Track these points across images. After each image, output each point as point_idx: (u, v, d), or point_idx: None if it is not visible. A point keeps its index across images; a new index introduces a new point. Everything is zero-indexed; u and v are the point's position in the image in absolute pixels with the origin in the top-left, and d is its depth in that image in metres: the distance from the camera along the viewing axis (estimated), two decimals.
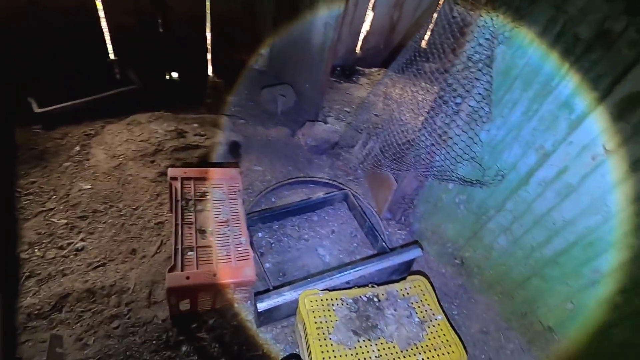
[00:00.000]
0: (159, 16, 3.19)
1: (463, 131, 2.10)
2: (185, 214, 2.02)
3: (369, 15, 4.38)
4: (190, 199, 2.09)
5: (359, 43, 4.61)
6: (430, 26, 4.30)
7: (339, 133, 3.39)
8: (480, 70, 1.99)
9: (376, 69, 4.80)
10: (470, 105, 2.04)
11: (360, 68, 4.69)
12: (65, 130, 2.88)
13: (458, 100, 2.24)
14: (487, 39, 1.90)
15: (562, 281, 1.87)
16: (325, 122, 3.49)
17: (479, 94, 1.98)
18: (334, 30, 2.98)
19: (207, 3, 3.33)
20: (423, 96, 2.70)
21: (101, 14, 2.99)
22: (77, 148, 2.77)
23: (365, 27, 4.49)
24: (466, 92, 2.06)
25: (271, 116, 3.55)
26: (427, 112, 2.49)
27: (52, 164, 2.62)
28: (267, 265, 2.33)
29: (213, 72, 3.87)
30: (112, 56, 3.24)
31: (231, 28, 3.62)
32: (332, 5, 2.93)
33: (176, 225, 1.94)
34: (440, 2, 4.93)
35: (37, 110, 2.74)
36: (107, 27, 3.07)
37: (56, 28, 2.85)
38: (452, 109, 2.28)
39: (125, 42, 3.20)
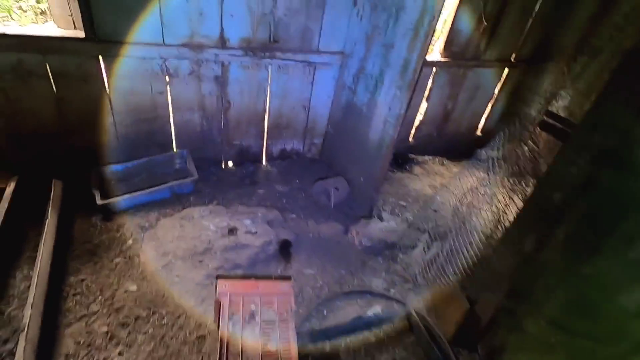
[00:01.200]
0: (221, 112, 3.33)
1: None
2: (231, 342, 1.79)
3: (423, 105, 4.36)
4: (238, 322, 1.87)
5: (412, 131, 4.55)
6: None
7: (397, 232, 3.13)
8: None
9: (430, 157, 4.64)
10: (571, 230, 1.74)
11: (413, 156, 4.56)
12: (122, 222, 2.89)
13: None
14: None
15: None
16: (381, 218, 3.27)
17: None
18: (394, 129, 2.89)
19: (267, 98, 3.46)
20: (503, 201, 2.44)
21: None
22: (130, 242, 2.73)
23: (419, 116, 4.46)
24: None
25: (323, 209, 3.40)
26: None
27: (103, 260, 2.57)
28: None
29: (266, 160, 3.90)
30: (174, 149, 3.36)
31: (287, 119, 3.70)
32: (393, 104, 2.88)
33: (220, 355, 1.71)
34: (496, 93, 4.85)
35: (99, 202, 2.79)
36: (172, 122, 3.22)
37: (129, 123, 3.03)
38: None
39: (188, 136, 3.33)
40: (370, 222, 3.16)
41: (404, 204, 3.62)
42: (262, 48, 3.11)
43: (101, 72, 2.72)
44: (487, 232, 2.53)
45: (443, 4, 2.36)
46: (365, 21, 3.08)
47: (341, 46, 3.42)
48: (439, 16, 2.40)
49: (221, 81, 3.15)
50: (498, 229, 2.60)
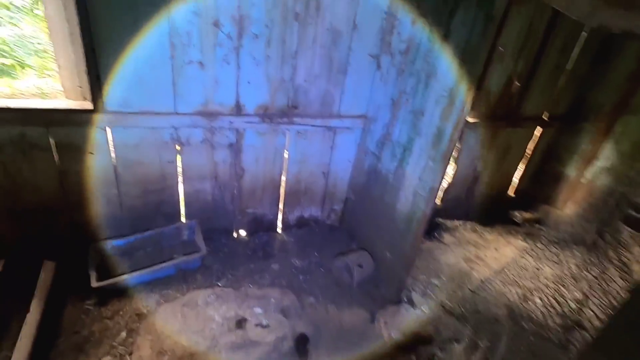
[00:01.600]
0: (235, 179, 3.09)
1: None
2: None
3: (451, 167, 4.05)
4: None
5: (440, 194, 4.20)
6: None
7: (432, 321, 2.68)
8: None
9: (460, 222, 4.24)
10: None
11: (441, 221, 4.17)
12: (118, 307, 2.55)
13: None
14: None
15: None
16: (412, 303, 2.83)
17: None
18: (426, 203, 2.56)
19: (285, 164, 3.22)
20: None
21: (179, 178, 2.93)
22: (124, 334, 2.37)
23: (447, 178, 4.13)
24: None
25: (345, 289, 2.99)
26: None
27: (90, 358, 2.21)
28: None
29: (282, 229, 3.59)
30: (183, 219, 3.09)
31: (305, 185, 3.42)
32: (425, 176, 2.57)
33: None
34: (529, 152, 4.52)
35: (94, 285, 2.48)
36: (182, 191, 2.99)
37: (135, 195, 2.80)
38: None
39: (198, 205, 3.08)
40: (400, 309, 2.73)
41: (437, 282, 3.17)
42: (280, 114, 2.92)
43: (108, 143, 2.54)
44: (551, 327, 2.06)
45: (481, 71, 2.12)
46: (391, 85, 2.88)
47: (364, 110, 3.21)
48: (476, 85, 2.15)
49: (235, 148, 2.94)
50: (563, 321, 2.13)
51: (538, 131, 4.38)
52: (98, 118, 2.41)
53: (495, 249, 3.87)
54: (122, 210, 2.82)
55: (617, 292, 3.53)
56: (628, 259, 3.98)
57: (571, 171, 4.52)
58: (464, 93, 2.20)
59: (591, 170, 4.35)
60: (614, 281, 3.69)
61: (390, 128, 2.92)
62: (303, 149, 3.21)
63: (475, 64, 2.15)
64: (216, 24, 2.43)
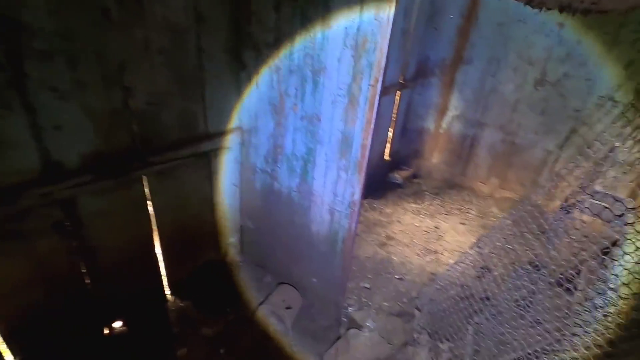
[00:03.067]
0: (81, 267, 2.09)
1: None
2: None
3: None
4: None
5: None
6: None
7: (384, 339, 2.43)
8: None
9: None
10: None
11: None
12: None
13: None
14: None
15: None
16: (354, 324, 2.53)
17: None
18: (350, 220, 2.19)
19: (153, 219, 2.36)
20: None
21: None
22: None
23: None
24: None
25: (279, 340, 2.48)
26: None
27: None
28: None
29: (173, 293, 2.75)
30: None
31: (187, 231, 2.64)
32: (339, 190, 2.17)
33: None
34: (395, 116, 4.64)
35: None
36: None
37: None
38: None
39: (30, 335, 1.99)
40: (349, 339, 2.40)
41: (367, 284, 2.96)
42: (126, 157, 2.02)
43: None
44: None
45: (384, 60, 1.76)
46: (266, 87, 2.29)
47: (236, 122, 2.55)
48: (382, 77, 1.79)
49: (69, 226, 1.93)
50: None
51: (398, 95, 4.50)
52: None
53: (398, 221, 3.90)
54: None
55: (492, 221, 4.02)
56: (490, 190, 4.61)
57: (430, 124, 4.89)
58: (368, 89, 1.82)
59: (446, 120, 4.78)
60: (490, 212, 4.20)
61: (279, 139, 2.37)
62: (172, 192, 2.39)
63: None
64: None
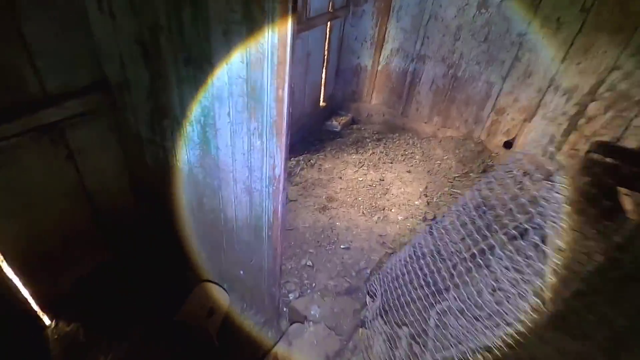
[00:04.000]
0: None
1: None
2: None
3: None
4: None
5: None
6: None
7: (341, 336, 2.03)
8: None
9: (293, 161, 3.54)
10: None
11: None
12: None
13: None
14: None
15: None
16: (296, 314, 2.09)
17: None
18: (275, 199, 1.62)
19: None
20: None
21: None
22: None
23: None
24: None
25: (205, 354, 1.98)
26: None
27: None
28: None
29: (53, 317, 2.06)
30: None
31: (58, 233, 1.91)
32: (256, 163, 1.56)
33: None
34: (326, 54, 3.98)
35: None
36: None
37: None
38: None
39: None
40: (290, 340, 1.96)
41: (309, 261, 2.50)
42: None
43: None
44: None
45: None
46: (124, 16, 1.50)
47: (94, 75, 1.73)
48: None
49: None
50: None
51: (328, 27, 3.78)
52: None
53: (340, 177, 3.42)
54: None
55: (438, 164, 3.73)
56: (433, 130, 4.27)
57: (367, 61, 4.29)
58: (275, 6, 1.15)
59: (384, 55, 4.20)
60: (435, 155, 3.89)
61: (162, 96, 1.64)
62: (10, 188, 1.60)
63: None
64: None
